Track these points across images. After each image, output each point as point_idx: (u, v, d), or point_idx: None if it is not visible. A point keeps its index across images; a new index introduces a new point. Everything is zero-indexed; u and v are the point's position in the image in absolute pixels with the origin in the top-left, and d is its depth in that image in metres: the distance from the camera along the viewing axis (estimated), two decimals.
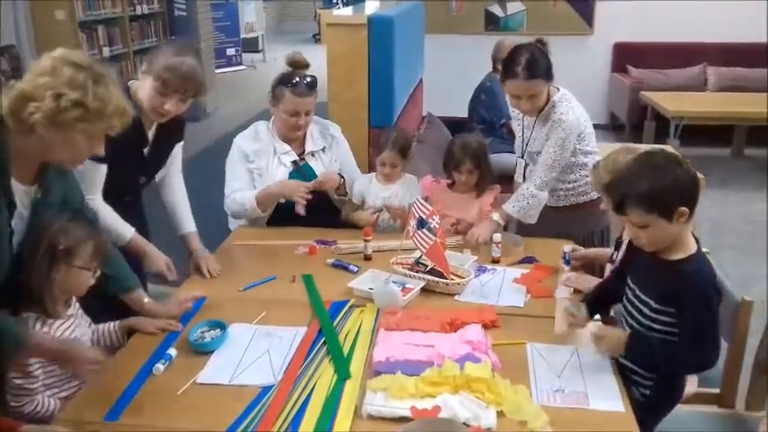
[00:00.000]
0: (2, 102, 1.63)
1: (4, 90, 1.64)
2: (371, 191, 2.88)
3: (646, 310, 1.80)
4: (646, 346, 1.80)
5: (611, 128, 7.37)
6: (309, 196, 2.66)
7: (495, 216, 2.71)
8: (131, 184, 2.46)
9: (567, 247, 2.47)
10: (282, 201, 2.75)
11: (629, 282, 1.90)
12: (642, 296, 1.82)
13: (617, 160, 2.21)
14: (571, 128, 2.68)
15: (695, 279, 1.72)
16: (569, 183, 2.84)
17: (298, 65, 2.75)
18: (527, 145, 2.86)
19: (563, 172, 2.77)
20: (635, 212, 1.71)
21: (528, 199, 2.73)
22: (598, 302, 2.03)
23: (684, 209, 1.69)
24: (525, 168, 2.89)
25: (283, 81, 2.72)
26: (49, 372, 1.83)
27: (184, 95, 2.26)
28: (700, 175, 1.79)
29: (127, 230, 2.31)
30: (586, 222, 2.83)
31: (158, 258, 2.35)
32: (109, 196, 2.28)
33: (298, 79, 2.70)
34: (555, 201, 2.84)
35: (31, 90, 1.61)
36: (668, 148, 4.75)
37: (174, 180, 2.61)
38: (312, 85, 2.73)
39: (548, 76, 2.64)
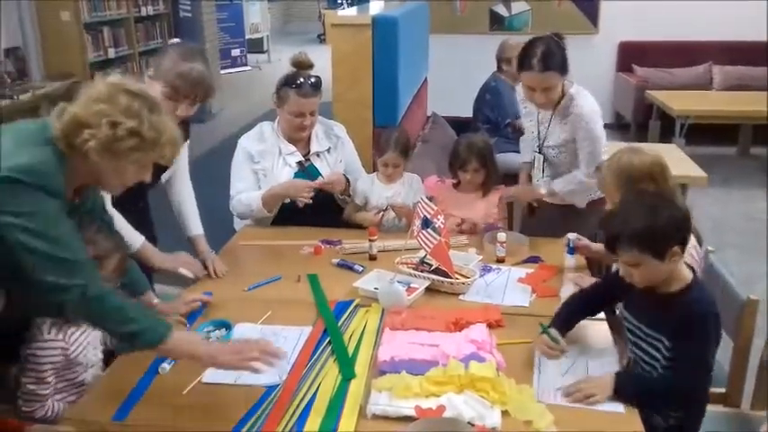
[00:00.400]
0: (54, 125, 1.60)
1: (55, 113, 1.61)
2: (374, 191, 2.88)
3: (663, 350, 1.76)
4: (641, 381, 1.81)
5: (617, 127, 7.35)
6: (312, 193, 2.66)
7: (543, 189, 2.76)
8: (138, 186, 2.45)
9: (572, 234, 2.46)
10: (287, 201, 2.75)
11: (633, 321, 1.87)
12: (654, 334, 1.79)
13: (621, 160, 2.21)
14: (593, 116, 2.70)
15: (697, 307, 1.73)
16: None
17: (302, 65, 2.75)
18: (543, 140, 2.84)
19: (572, 167, 2.77)
20: (628, 253, 1.71)
21: (576, 185, 2.77)
22: (582, 313, 2.00)
23: (677, 248, 1.69)
24: (543, 163, 2.88)
25: (288, 82, 2.72)
26: (61, 376, 1.85)
27: (194, 100, 2.28)
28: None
29: (136, 239, 2.29)
30: (591, 222, 2.82)
31: (168, 261, 2.34)
32: (119, 201, 2.27)
33: (302, 80, 2.70)
34: (561, 198, 2.84)
35: (85, 116, 1.58)
36: (673, 147, 4.77)
37: (180, 180, 2.61)
38: (316, 86, 2.73)
39: (562, 69, 2.63)
